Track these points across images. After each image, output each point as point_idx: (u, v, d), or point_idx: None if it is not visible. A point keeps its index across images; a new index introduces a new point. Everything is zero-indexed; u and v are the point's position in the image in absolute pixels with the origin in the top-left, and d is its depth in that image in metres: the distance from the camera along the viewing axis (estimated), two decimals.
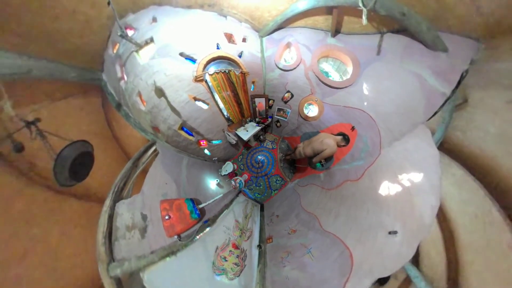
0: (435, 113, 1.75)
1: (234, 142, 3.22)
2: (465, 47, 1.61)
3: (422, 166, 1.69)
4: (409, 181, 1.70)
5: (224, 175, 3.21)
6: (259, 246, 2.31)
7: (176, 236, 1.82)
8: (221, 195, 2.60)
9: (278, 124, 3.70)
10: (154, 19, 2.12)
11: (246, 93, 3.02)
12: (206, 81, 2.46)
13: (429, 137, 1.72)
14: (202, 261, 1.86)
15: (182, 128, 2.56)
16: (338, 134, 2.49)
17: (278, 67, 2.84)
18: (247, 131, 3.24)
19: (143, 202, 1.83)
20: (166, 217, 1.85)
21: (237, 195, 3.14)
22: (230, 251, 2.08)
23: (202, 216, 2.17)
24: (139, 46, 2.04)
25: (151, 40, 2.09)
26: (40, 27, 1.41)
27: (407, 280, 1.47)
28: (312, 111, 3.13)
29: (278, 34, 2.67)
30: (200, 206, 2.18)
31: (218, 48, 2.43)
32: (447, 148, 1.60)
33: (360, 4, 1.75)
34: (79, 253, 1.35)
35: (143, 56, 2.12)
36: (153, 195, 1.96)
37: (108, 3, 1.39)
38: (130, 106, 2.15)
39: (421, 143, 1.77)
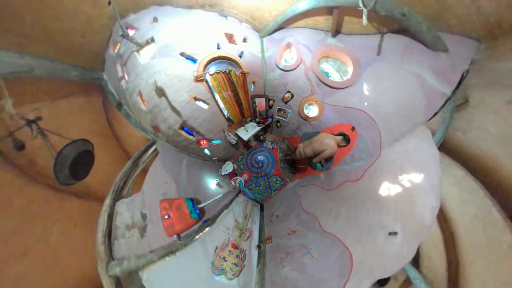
0: (436, 113, 1.75)
1: (234, 142, 3.22)
2: (465, 47, 1.61)
3: (422, 167, 1.68)
4: (409, 181, 1.70)
5: (224, 175, 3.21)
6: (259, 246, 2.31)
7: (175, 236, 1.82)
8: (221, 195, 2.60)
9: (278, 124, 3.70)
10: (155, 19, 2.13)
11: (246, 93, 3.03)
12: (206, 81, 2.46)
13: (430, 138, 1.72)
14: (202, 261, 1.86)
15: (182, 128, 2.57)
16: (339, 134, 2.49)
17: (279, 67, 2.84)
18: (247, 131, 3.24)
19: (143, 201, 1.83)
20: (166, 217, 1.86)
21: (237, 195, 3.14)
22: (230, 251, 2.08)
23: (201, 215, 2.17)
24: (140, 46, 2.05)
25: (152, 40, 2.10)
26: (42, 26, 1.43)
27: (407, 281, 1.46)
28: (312, 111, 3.13)
29: (278, 34, 2.68)
30: (200, 206, 2.18)
31: (218, 48, 2.43)
32: (447, 148, 1.60)
33: (361, 5, 1.75)
34: (79, 252, 1.35)
35: (144, 56, 2.13)
36: (153, 195, 1.96)
37: (109, 3, 1.40)
38: (130, 106, 2.16)
39: (421, 143, 1.77)
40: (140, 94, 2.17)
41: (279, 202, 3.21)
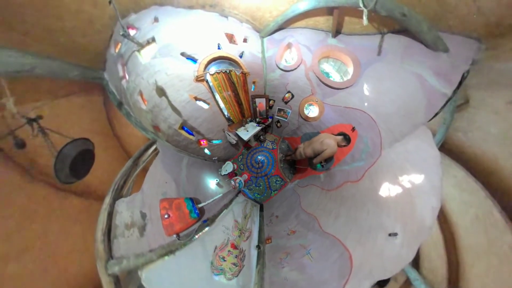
0: (436, 114, 1.74)
1: (234, 142, 3.22)
2: (466, 47, 1.60)
3: (423, 167, 1.68)
4: (409, 182, 1.69)
5: (224, 175, 3.21)
6: (258, 247, 2.30)
7: (175, 235, 1.82)
8: (221, 194, 2.60)
9: (278, 125, 3.70)
10: (156, 19, 2.14)
11: (246, 93, 3.03)
12: (207, 81, 2.47)
13: (430, 138, 1.71)
14: (201, 260, 1.85)
15: (182, 128, 2.57)
16: (339, 134, 2.48)
17: (279, 68, 2.85)
18: (248, 131, 3.24)
19: (143, 200, 1.83)
20: (166, 216, 1.86)
21: (236, 195, 3.14)
22: (229, 251, 2.07)
23: (201, 215, 2.17)
24: (141, 46, 2.06)
25: (153, 39, 2.11)
26: (43, 26, 1.44)
27: (407, 283, 1.45)
28: (312, 111, 3.12)
29: (279, 34, 2.68)
30: (200, 205, 2.18)
31: (219, 48, 2.44)
32: (448, 149, 1.59)
33: (361, 5, 1.75)
34: (78, 250, 1.35)
35: (144, 56, 2.14)
36: (153, 194, 1.97)
37: (110, 2, 1.41)
38: (131, 105, 2.17)
39: (422, 144, 1.76)
40: (141, 94, 2.17)
41: (279, 202, 3.20)
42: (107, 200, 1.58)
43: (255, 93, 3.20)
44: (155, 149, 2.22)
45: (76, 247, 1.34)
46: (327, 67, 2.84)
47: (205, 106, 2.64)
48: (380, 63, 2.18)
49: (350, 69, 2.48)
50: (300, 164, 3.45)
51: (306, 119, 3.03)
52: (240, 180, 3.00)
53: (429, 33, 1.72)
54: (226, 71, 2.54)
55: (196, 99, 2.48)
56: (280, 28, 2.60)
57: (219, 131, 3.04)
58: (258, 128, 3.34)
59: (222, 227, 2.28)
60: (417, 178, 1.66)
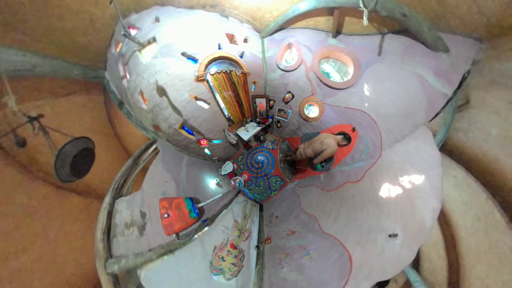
0: (437, 114, 1.73)
1: (235, 142, 3.23)
2: (466, 48, 1.60)
3: (423, 168, 1.67)
4: (410, 183, 1.68)
5: (224, 174, 3.22)
6: (258, 247, 2.30)
7: (174, 235, 1.82)
8: (221, 194, 2.60)
9: (278, 125, 3.70)
10: (157, 19, 2.15)
11: (247, 93, 3.04)
12: (207, 81, 2.48)
13: (431, 139, 1.70)
14: (200, 260, 1.85)
15: (183, 127, 2.58)
16: (339, 134, 2.48)
17: (279, 68, 2.85)
18: (248, 131, 3.24)
19: (143, 199, 1.84)
20: (165, 215, 1.86)
21: (236, 195, 3.13)
22: (228, 251, 2.07)
23: (201, 215, 2.17)
24: (142, 46, 2.07)
25: (154, 39, 2.12)
26: (45, 25, 1.45)
27: (407, 284, 1.44)
28: (312, 111, 3.12)
29: (279, 34, 2.69)
30: (199, 205, 2.18)
31: (219, 48, 2.45)
32: (448, 149, 1.58)
33: (361, 5, 1.75)
34: (78, 249, 1.36)
35: (145, 55, 2.15)
36: (153, 193, 1.97)
37: (111, 2, 1.42)
38: (132, 105, 2.18)
39: (422, 144, 1.75)
40: (141, 93, 2.18)
41: (278, 202, 3.19)
42: (107, 199, 1.58)
43: (255, 93, 3.20)
44: (155, 148, 2.23)
45: (75, 246, 1.35)
46: (327, 67, 2.84)
47: (206, 106, 2.64)
48: (381, 64, 2.18)
49: (351, 70, 2.48)
50: (300, 164, 3.45)
51: (306, 119, 3.03)
52: (240, 180, 3.00)
53: (430, 33, 1.71)
54: (226, 71, 2.54)
55: (197, 99, 2.49)
56: (281, 28, 2.61)
57: (219, 131, 3.04)
58: (258, 128, 3.34)
59: (222, 227, 2.28)
60: (418, 179, 1.65)
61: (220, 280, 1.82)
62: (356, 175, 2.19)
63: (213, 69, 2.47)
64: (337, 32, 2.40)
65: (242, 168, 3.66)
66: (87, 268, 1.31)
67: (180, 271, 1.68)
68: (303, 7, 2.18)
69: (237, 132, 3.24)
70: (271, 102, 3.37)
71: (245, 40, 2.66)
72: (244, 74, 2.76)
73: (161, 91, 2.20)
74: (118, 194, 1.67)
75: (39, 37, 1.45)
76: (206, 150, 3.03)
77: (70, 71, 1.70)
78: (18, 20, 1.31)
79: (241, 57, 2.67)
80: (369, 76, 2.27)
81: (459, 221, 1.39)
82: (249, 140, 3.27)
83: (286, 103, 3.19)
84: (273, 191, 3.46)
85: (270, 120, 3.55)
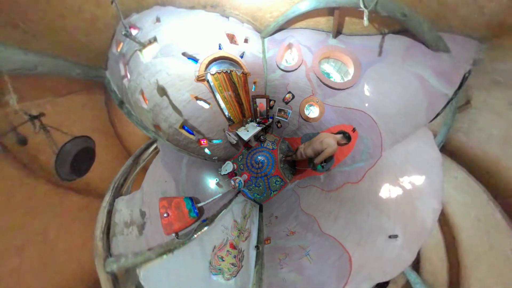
0: (437, 114, 1.72)
1: (235, 142, 3.23)
2: (467, 48, 1.59)
3: (423, 169, 1.66)
4: (410, 184, 1.67)
5: (224, 174, 3.22)
6: (257, 247, 2.29)
7: (173, 234, 1.82)
8: (220, 194, 2.60)
9: (278, 125, 3.70)
10: (158, 19, 2.16)
11: (247, 93, 3.04)
12: (208, 81, 2.48)
13: (431, 139, 1.69)
14: (199, 260, 1.85)
15: (183, 127, 2.59)
16: (338, 133, 2.47)
17: (280, 68, 2.85)
18: (248, 131, 3.25)
19: (142, 199, 1.84)
20: (165, 215, 1.86)
21: (236, 195, 3.13)
22: (228, 251, 2.07)
23: (200, 215, 2.17)
24: (143, 45, 2.08)
25: (155, 39, 2.13)
26: (46, 24, 1.47)
27: (407, 286, 1.43)
28: (313, 112, 3.12)
29: (279, 35, 2.69)
30: (199, 205, 2.18)
31: (220, 48, 2.46)
32: (449, 150, 1.57)
33: (361, 5, 1.75)
34: (77, 247, 1.36)
35: (146, 55, 2.16)
36: (153, 193, 1.97)
37: (112, 2, 1.44)
38: (132, 104, 2.19)
39: (423, 145, 1.74)
40: (142, 93, 2.19)
41: (278, 203, 3.19)
42: (107, 198, 1.59)
43: (255, 93, 3.20)
44: (156, 148, 2.23)
45: (75, 244, 1.35)
46: (327, 67, 2.84)
47: (206, 105, 2.65)
48: (381, 64, 2.17)
49: (351, 70, 2.47)
50: (300, 165, 3.44)
51: (307, 119, 3.03)
52: (240, 180, 3.00)
53: (430, 34, 1.71)
54: (227, 71, 2.55)
55: (197, 98, 2.50)
56: (281, 28, 2.61)
57: (220, 130, 3.05)
58: (259, 128, 3.34)
59: (221, 227, 2.28)
60: (418, 180, 1.64)
61: (219, 280, 1.81)
62: (356, 175, 2.18)
63: (214, 69, 2.47)
64: (337, 32, 2.40)
65: (242, 168, 3.66)
66: (86, 266, 1.31)
67: (179, 270, 1.67)
68: (304, 7, 2.19)
69: (237, 132, 3.24)
70: (272, 102, 3.37)
71: (246, 40, 2.67)
72: (245, 74, 2.76)
73: (162, 91, 2.20)
74: (118, 193, 1.68)
75: (40, 37, 1.47)
76: (206, 150, 3.03)
77: (71, 70, 1.71)
78: (20, 19, 1.33)
79: (242, 57, 2.68)
80: (369, 77, 2.26)
81: (459, 222, 1.38)
82: (249, 140, 3.27)
83: (287, 103, 3.19)
84: (273, 191, 3.45)
85: (270, 120, 3.56)
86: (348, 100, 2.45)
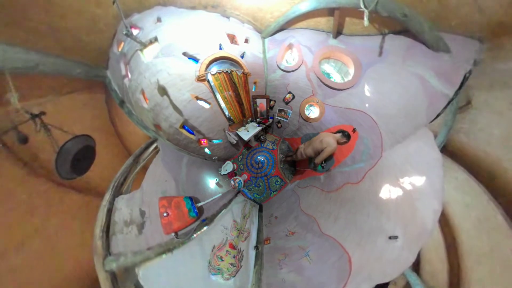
0: (438, 115, 1.71)
1: (235, 141, 3.23)
2: (468, 48, 1.58)
3: (424, 169, 1.65)
4: (410, 184, 1.66)
5: (224, 174, 3.22)
6: (256, 247, 2.28)
7: (173, 234, 1.82)
8: (220, 194, 2.60)
9: (279, 125, 3.70)
10: (159, 19, 2.18)
11: (247, 93, 3.05)
12: (208, 81, 2.49)
13: (432, 140, 1.68)
14: (198, 259, 1.85)
15: (183, 127, 2.59)
16: (337, 132, 2.47)
17: (280, 68, 2.86)
18: (248, 131, 3.25)
19: (142, 198, 1.84)
20: (164, 214, 1.86)
21: (236, 195, 3.13)
22: (227, 251, 2.06)
23: (200, 214, 2.17)
24: (144, 45, 2.09)
25: (155, 39, 2.14)
26: (48, 24, 1.48)
27: (407, 287, 1.42)
28: (313, 112, 3.12)
29: (280, 35, 2.69)
30: (199, 204, 2.18)
31: (220, 48, 2.47)
32: (450, 151, 1.56)
33: (362, 6, 1.75)
34: (76, 246, 1.36)
35: (147, 55, 2.17)
36: (152, 192, 1.97)
37: (113, 2, 1.45)
38: (133, 103, 2.20)
39: (423, 146, 1.74)
40: (143, 92, 2.20)
41: (278, 203, 3.18)
42: (107, 196, 1.59)
43: (256, 94, 3.21)
44: (156, 147, 2.24)
45: (74, 242, 1.36)
46: (328, 68, 2.84)
47: (206, 105, 2.65)
48: (381, 64, 2.17)
49: (351, 70, 2.47)
50: (300, 165, 3.44)
51: (307, 119, 3.03)
52: (240, 180, 3.00)
53: (431, 34, 1.71)
54: (227, 71, 2.55)
55: (197, 98, 2.50)
56: (281, 28, 2.62)
57: (220, 130, 3.05)
58: (259, 129, 3.34)
59: (221, 227, 2.27)
60: (418, 180, 1.63)
61: (218, 280, 1.81)
62: (357, 176, 2.17)
63: (214, 69, 2.48)
64: (337, 32, 2.40)
65: (242, 168, 3.66)
66: (85, 265, 1.31)
67: (178, 270, 1.67)
68: (304, 7, 2.19)
69: (237, 132, 3.25)
70: (272, 103, 3.37)
71: (246, 41, 2.67)
72: (245, 74, 2.77)
73: (162, 91, 2.21)
74: (118, 192, 1.68)
75: (42, 36, 1.48)
76: (206, 150, 3.04)
77: (72, 70, 1.72)
78: (21, 18, 1.34)
79: (242, 57, 2.69)
80: (369, 77, 2.26)
81: (460, 223, 1.37)
82: (249, 140, 3.27)
83: (287, 103, 3.19)
84: (273, 192, 3.45)
85: (270, 120, 3.56)
86: (348, 101, 2.44)
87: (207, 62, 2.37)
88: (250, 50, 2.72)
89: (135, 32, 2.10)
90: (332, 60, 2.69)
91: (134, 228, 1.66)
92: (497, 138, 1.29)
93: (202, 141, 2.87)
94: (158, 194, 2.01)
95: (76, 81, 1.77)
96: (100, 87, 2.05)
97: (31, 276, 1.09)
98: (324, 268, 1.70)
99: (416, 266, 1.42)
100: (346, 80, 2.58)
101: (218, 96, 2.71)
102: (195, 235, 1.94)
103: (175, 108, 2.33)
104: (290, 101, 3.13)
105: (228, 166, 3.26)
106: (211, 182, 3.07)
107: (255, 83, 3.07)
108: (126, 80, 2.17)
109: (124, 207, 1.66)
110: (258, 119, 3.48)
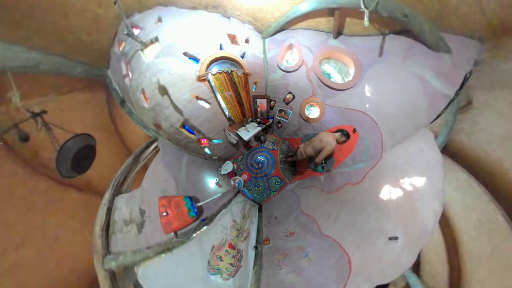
0: (439, 115, 1.71)
1: (235, 141, 3.23)
2: (468, 48, 1.58)
3: (424, 170, 1.64)
4: (411, 185, 1.65)
5: (224, 174, 3.22)
6: (256, 248, 2.28)
7: (172, 233, 1.82)
8: (220, 194, 2.60)
9: (279, 125, 3.70)
10: (160, 19, 2.19)
11: (248, 93, 3.05)
12: (208, 81, 2.50)
13: (432, 141, 1.67)
14: (198, 259, 1.85)
15: (183, 126, 2.60)
16: (337, 131, 2.46)
17: (280, 68, 2.86)
18: (248, 131, 3.25)
19: (142, 197, 1.85)
20: (164, 214, 1.86)
21: (235, 195, 3.13)
22: (226, 251, 2.06)
23: (199, 214, 2.16)
24: (144, 45, 2.11)
25: (156, 39, 2.15)
26: (50, 23, 1.49)
27: None
28: (313, 112, 3.12)
29: (280, 35, 2.70)
30: (198, 204, 2.18)
31: (221, 48, 2.47)
32: (450, 151, 1.55)
33: (362, 6, 1.75)
34: (76, 244, 1.37)
35: (148, 55, 2.18)
36: (152, 191, 1.98)
37: (115, 2, 1.46)
38: (133, 103, 2.21)
39: (424, 146, 1.73)
40: (143, 92, 2.21)
41: (278, 203, 3.17)
42: (107, 195, 1.59)
43: (256, 94, 3.21)
44: (156, 146, 2.25)
45: (74, 241, 1.36)
46: (328, 68, 2.84)
47: (207, 105, 2.66)
48: (382, 64, 2.17)
49: (351, 70, 2.47)
50: (300, 165, 3.43)
51: (307, 120, 3.03)
52: (240, 180, 3.00)
53: (431, 34, 1.70)
54: (227, 71, 2.56)
55: (198, 98, 2.51)
56: (282, 29, 2.62)
57: (220, 130, 3.06)
58: (259, 129, 3.34)
59: (220, 227, 2.27)
60: (419, 181, 1.62)
61: (217, 280, 1.81)
62: (357, 176, 2.16)
63: (215, 69, 2.49)
64: (338, 33, 2.40)
65: (242, 168, 3.66)
66: (84, 263, 1.32)
67: (177, 269, 1.67)
68: (304, 8, 2.20)
69: (237, 132, 3.25)
70: (272, 103, 3.37)
71: (247, 41, 2.68)
72: (245, 75, 2.77)
73: (163, 90, 2.22)
74: (118, 191, 1.69)
75: (44, 35, 1.50)
76: (206, 150, 3.04)
77: (73, 69, 1.73)
78: (23, 18, 1.35)
79: (243, 57, 2.69)
80: (370, 77, 2.26)
81: (461, 224, 1.36)
82: (249, 140, 3.27)
83: (287, 103, 3.20)
84: (273, 192, 3.44)
85: (270, 120, 3.56)
86: (348, 101, 2.44)
87: (207, 62, 2.38)
88: (251, 50, 2.72)
89: (136, 32, 2.12)
90: (332, 60, 2.69)
91: (134, 227, 1.66)
92: (498, 138, 1.28)
93: (202, 141, 2.87)
94: (158, 193, 2.01)
95: (77, 80, 1.78)
96: (101, 87, 2.06)
97: (30, 274, 1.10)
98: (324, 269, 1.69)
99: (416, 267, 1.41)
100: (346, 80, 2.58)
101: (219, 96, 2.71)
102: (194, 235, 1.94)
103: (176, 107, 2.34)
104: (290, 101, 3.13)
105: (228, 166, 3.26)
106: (211, 182, 3.07)
107: (255, 83, 3.07)
108: (127, 80, 2.19)
109: (124, 206, 1.66)
110: (258, 119, 3.48)
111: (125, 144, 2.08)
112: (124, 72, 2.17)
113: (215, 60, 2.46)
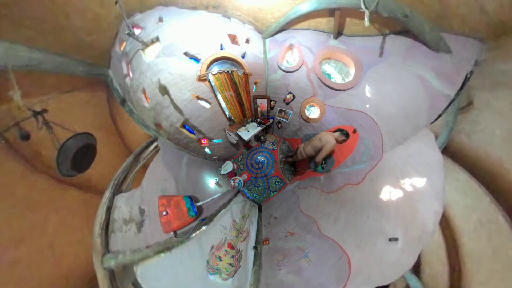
0: (439, 116, 1.70)
1: (235, 141, 3.23)
2: (469, 48, 1.57)
3: (425, 171, 1.63)
4: (411, 186, 1.64)
5: (224, 174, 3.22)
6: (255, 248, 2.27)
7: (172, 233, 1.82)
8: (220, 194, 2.60)
9: (279, 125, 3.70)
10: (161, 19, 2.20)
11: (248, 93, 3.06)
12: (209, 81, 2.50)
13: (433, 141, 1.67)
14: (197, 259, 1.84)
15: (184, 126, 2.61)
16: (336, 131, 2.46)
17: (281, 69, 2.86)
18: (248, 131, 3.25)
19: (142, 196, 1.85)
20: (164, 213, 1.86)
21: (235, 195, 3.13)
22: (226, 251, 2.06)
23: (199, 214, 2.16)
24: (145, 45, 2.12)
25: (157, 39, 2.17)
26: (51, 23, 1.51)
27: None
28: (313, 113, 3.12)
29: (281, 35, 2.71)
30: (198, 204, 2.18)
31: (221, 48, 2.48)
32: (451, 152, 1.54)
33: (362, 6, 1.75)
34: (75, 242, 1.37)
35: (148, 55, 2.19)
36: (152, 191, 1.98)
37: (116, 2, 1.47)
38: (134, 102, 2.22)
39: (424, 147, 1.72)
40: (144, 92, 2.22)
41: (277, 203, 3.17)
42: (107, 194, 1.60)
43: (256, 94, 3.22)
44: (156, 146, 2.25)
45: (73, 239, 1.36)
46: (328, 68, 2.84)
47: (207, 105, 2.67)
48: (382, 65, 2.16)
49: (352, 71, 2.47)
50: (300, 165, 3.42)
51: (307, 120, 3.02)
52: (240, 180, 3.00)
53: (431, 34, 1.70)
54: (228, 71, 2.57)
55: (198, 98, 2.52)
56: (282, 29, 2.63)
57: (220, 130, 3.06)
58: (259, 129, 3.34)
59: (220, 227, 2.27)
60: (419, 182, 1.61)
61: (216, 279, 1.80)
62: (357, 177, 2.16)
63: (215, 69, 2.49)
64: (338, 33, 2.40)
65: (242, 168, 3.66)
66: (84, 261, 1.32)
67: (177, 269, 1.67)
68: (305, 8, 2.20)
69: (237, 132, 3.25)
70: (272, 103, 3.37)
71: (247, 41, 2.69)
72: (246, 75, 2.78)
73: (163, 90, 2.23)
74: (118, 190, 1.69)
75: (45, 35, 1.51)
76: (207, 149, 3.04)
77: (74, 68, 1.75)
78: (25, 17, 1.37)
79: (243, 57, 2.70)
80: (370, 77, 2.26)
81: (461, 225, 1.35)
82: (249, 140, 3.28)
83: (287, 103, 3.20)
84: (273, 192, 3.44)
85: (270, 120, 3.56)
86: (349, 101, 2.44)
87: (208, 62, 2.39)
88: (251, 50, 2.73)
89: (137, 31, 2.13)
90: (332, 60, 2.69)
91: (133, 226, 1.66)
92: (498, 138, 1.28)
93: (203, 141, 2.88)
94: (157, 192, 2.01)
95: (78, 80, 1.79)
96: (102, 86, 2.07)
97: (30, 272, 1.10)
98: (323, 270, 1.69)
99: (417, 269, 1.40)
100: (346, 80, 2.58)
101: (219, 96, 2.72)
102: (194, 235, 1.94)
103: (176, 107, 2.35)
104: (290, 102, 3.13)
105: (228, 166, 3.26)
106: (211, 182, 3.07)
107: (255, 83, 3.08)
108: (127, 79, 2.20)
109: (124, 205, 1.67)
110: (258, 119, 3.48)
111: (126, 143, 2.09)
112: (125, 71, 2.19)
113: (216, 60, 2.47)
